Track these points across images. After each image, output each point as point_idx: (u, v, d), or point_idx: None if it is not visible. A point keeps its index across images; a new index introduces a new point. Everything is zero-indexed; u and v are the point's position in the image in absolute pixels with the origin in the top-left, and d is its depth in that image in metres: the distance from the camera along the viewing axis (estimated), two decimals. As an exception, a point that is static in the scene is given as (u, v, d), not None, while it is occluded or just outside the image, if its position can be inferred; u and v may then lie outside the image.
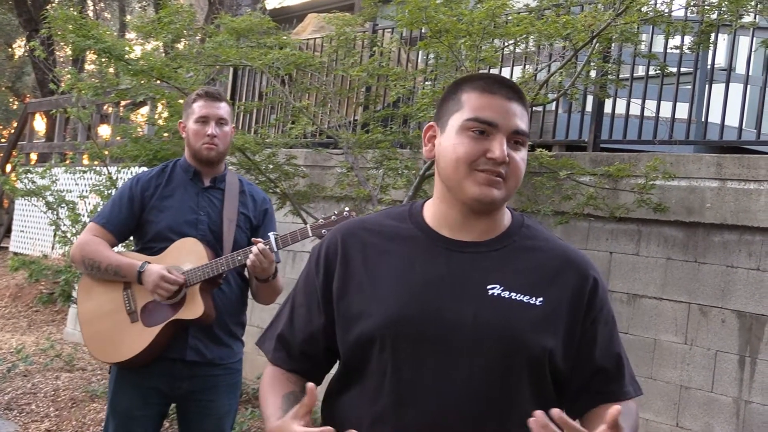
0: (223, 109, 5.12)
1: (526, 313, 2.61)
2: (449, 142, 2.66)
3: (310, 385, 2.49)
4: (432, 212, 2.76)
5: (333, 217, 4.91)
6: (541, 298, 2.64)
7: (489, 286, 2.63)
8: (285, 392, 2.71)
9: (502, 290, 2.63)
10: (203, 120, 5.05)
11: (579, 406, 2.73)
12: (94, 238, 5.00)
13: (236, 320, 5.21)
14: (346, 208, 4.94)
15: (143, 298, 4.90)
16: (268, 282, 5.01)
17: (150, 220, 5.02)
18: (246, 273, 5.16)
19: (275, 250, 4.89)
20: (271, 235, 4.93)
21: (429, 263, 2.67)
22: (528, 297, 2.63)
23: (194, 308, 4.86)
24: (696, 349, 6.48)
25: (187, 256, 4.91)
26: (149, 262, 4.89)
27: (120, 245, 5.22)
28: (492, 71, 7.94)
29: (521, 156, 2.65)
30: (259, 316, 9.87)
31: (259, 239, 4.86)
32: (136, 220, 5.05)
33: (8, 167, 19.88)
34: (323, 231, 4.87)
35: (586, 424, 2.63)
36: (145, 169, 8.61)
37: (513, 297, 2.62)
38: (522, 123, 2.65)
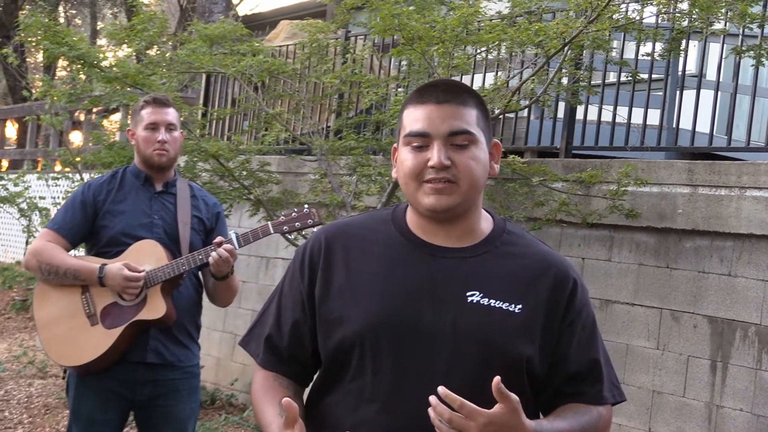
0: (172, 114, 5.14)
1: (504, 320, 2.62)
2: (400, 159, 2.70)
3: (285, 400, 2.50)
4: (411, 218, 2.78)
5: (294, 213, 4.94)
6: (520, 305, 2.64)
7: (468, 293, 2.64)
8: (280, 398, 2.69)
9: (482, 297, 2.64)
10: (152, 126, 5.06)
11: (553, 408, 2.73)
12: (49, 243, 4.98)
13: (192, 321, 5.22)
14: (306, 205, 4.97)
15: (103, 301, 4.90)
16: (226, 279, 5.01)
17: (104, 225, 5.02)
18: (201, 275, 5.19)
19: (237, 247, 4.91)
20: (232, 232, 4.96)
21: (410, 268, 2.69)
22: (507, 304, 2.64)
23: (156, 308, 4.87)
24: (668, 355, 6.51)
25: (146, 257, 4.91)
26: (106, 265, 4.88)
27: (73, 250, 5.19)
28: (464, 78, 7.97)
29: (470, 155, 2.64)
30: (233, 323, 9.88)
31: (221, 237, 4.89)
32: (89, 225, 5.04)
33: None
34: (284, 228, 4.92)
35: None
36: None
37: (492, 304, 2.63)
38: (459, 122, 2.64)
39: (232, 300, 5.32)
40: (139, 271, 4.83)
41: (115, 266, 4.85)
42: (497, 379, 2.38)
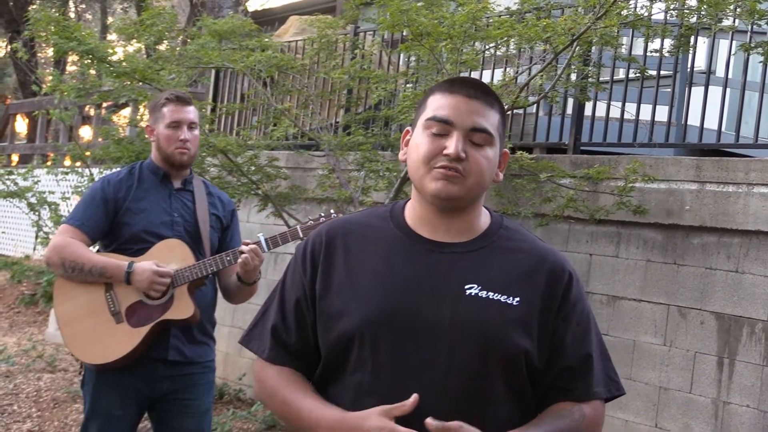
0: (193, 113, 5.15)
1: (503, 312, 2.65)
2: (414, 141, 2.73)
3: (415, 396, 2.54)
4: (411, 213, 2.80)
5: (321, 218, 4.96)
6: (518, 298, 2.67)
7: (467, 286, 2.67)
8: (308, 389, 2.75)
9: (480, 290, 2.66)
10: (175, 125, 5.06)
11: (545, 403, 2.76)
12: (72, 240, 4.94)
13: (210, 319, 5.25)
14: (332, 211, 5.01)
15: (128, 299, 4.89)
16: (254, 284, 5.05)
17: (125, 222, 5.01)
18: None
19: (265, 251, 4.93)
20: (261, 236, 4.97)
21: (408, 263, 2.71)
22: (505, 297, 2.67)
23: (184, 308, 4.89)
24: (675, 351, 6.52)
25: (171, 256, 4.92)
26: (134, 262, 4.88)
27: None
28: (473, 74, 7.97)
29: (484, 154, 2.67)
30: (242, 318, 9.89)
31: (249, 240, 4.90)
32: (110, 222, 5.01)
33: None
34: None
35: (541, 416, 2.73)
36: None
37: (490, 297, 2.66)
38: (483, 120, 2.68)
39: (246, 300, 5.35)
40: (170, 271, 4.85)
41: (146, 263, 4.85)
42: (428, 420, 2.48)
